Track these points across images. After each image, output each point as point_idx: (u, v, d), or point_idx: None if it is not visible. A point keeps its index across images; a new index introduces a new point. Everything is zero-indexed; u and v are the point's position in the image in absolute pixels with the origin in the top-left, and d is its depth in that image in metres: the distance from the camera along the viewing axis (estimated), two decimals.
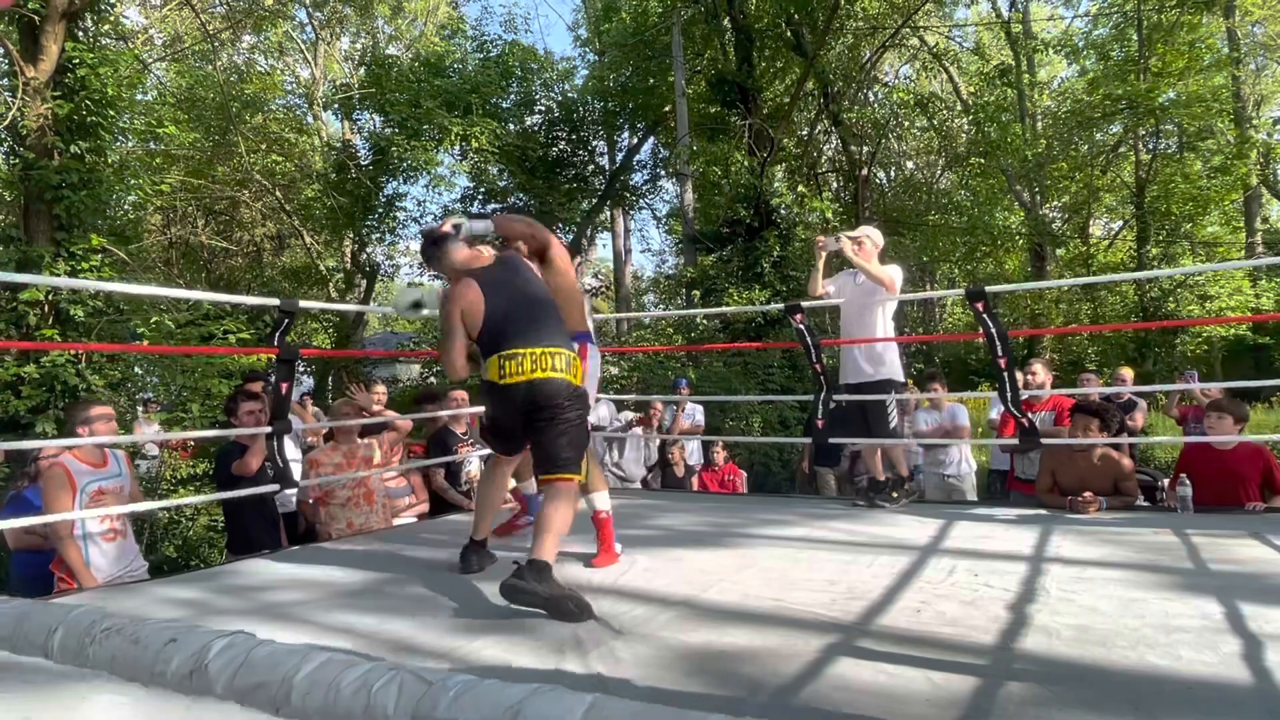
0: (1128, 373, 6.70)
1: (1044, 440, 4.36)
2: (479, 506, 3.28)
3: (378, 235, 17.11)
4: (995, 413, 6.01)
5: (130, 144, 13.20)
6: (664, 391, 9.62)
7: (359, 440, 4.75)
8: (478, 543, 3.23)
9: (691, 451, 7.70)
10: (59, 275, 7.43)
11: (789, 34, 14.69)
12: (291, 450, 4.67)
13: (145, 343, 8.84)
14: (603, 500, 3.38)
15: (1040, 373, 5.38)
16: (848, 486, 6.55)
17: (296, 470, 4.31)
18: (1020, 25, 17.70)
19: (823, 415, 4.73)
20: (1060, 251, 17.96)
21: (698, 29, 15.05)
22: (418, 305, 3.88)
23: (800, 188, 14.20)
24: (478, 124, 13.88)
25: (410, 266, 21.22)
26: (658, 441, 7.45)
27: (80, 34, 8.21)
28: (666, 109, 16.57)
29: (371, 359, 16.62)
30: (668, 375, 10.83)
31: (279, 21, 16.28)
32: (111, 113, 8.36)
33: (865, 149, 17.10)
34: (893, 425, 4.48)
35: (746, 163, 13.18)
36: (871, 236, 4.55)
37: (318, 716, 1.07)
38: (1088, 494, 4.06)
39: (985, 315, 4.03)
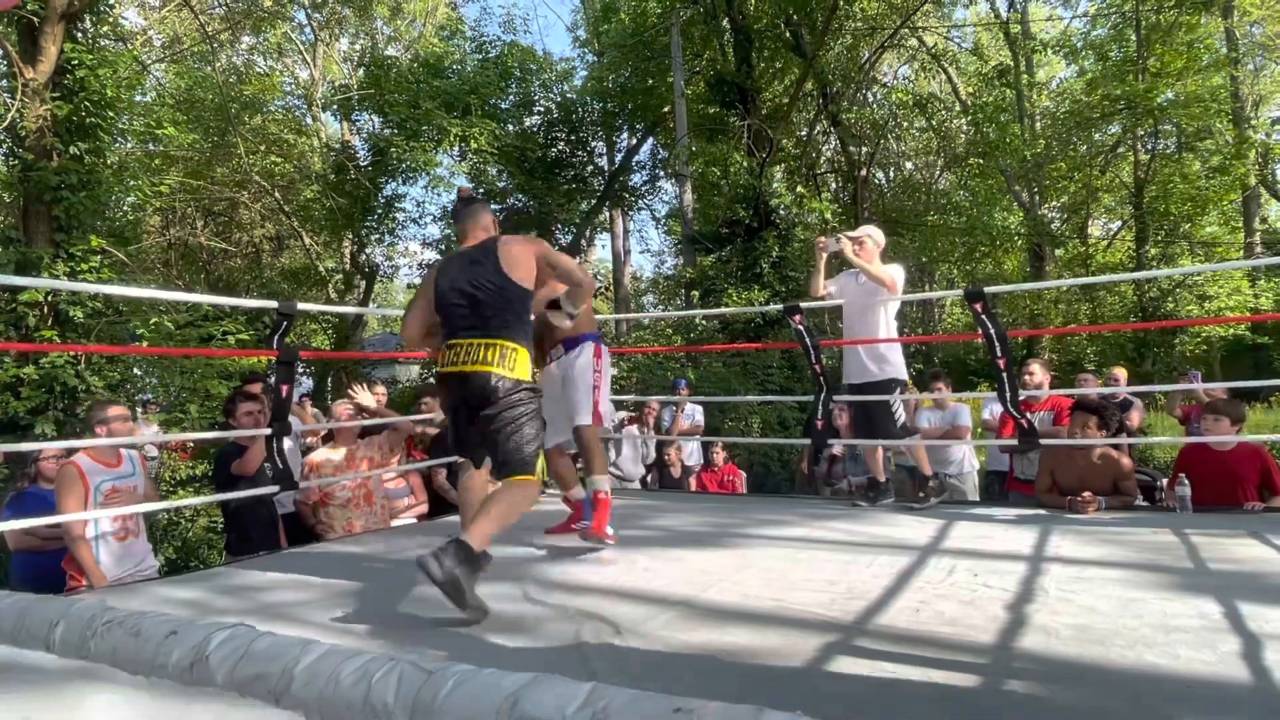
0: (1121, 372, 6.71)
1: (1043, 440, 4.36)
2: (461, 509, 3.10)
3: (377, 236, 17.10)
4: (989, 413, 6.02)
5: (129, 145, 13.21)
6: (663, 392, 9.62)
7: (358, 441, 4.76)
8: (460, 543, 3.14)
9: (691, 452, 7.70)
10: (58, 277, 7.44)
11: (788, 34, 14.71)
12: (291, 451, 4.68)
13: (144, 344, 8.85)
14: (603, 483, 3.50)
15: (1038, 373, 5.38)
16: (825, 488, 6.56)
17: (297, 472, 4.32)
18: (1019, 26, 17.72)
19: (822, 416, 4.73)
20: (1059, 252, 17.98)
21: (697, 29, 15.06)
22: None
23: (799, 188, 14.22)
24: (477, 125, 13.88)
25: (409, 268, 21.26)
26: (655, 441, 7.46)
27: (79, 35, 8.22)
28: (665, 109, 16.58)
29: (371, 360, 16.62)
30: (667, 376, 10.84)
31: (278, 23, 16.28)
32: (110, 114, 8.36)
33: (864, 149, 17.12)
34: (900, 424, 4.46)
35: (745, 163, 13.19)
36: (873, 236, 4.54)
37: (317, 706, 1.08)
38: (1087, 494, 4.06)
39: (984, 316, 4.03)
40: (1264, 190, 21.42)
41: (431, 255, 17.30)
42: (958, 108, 17.69)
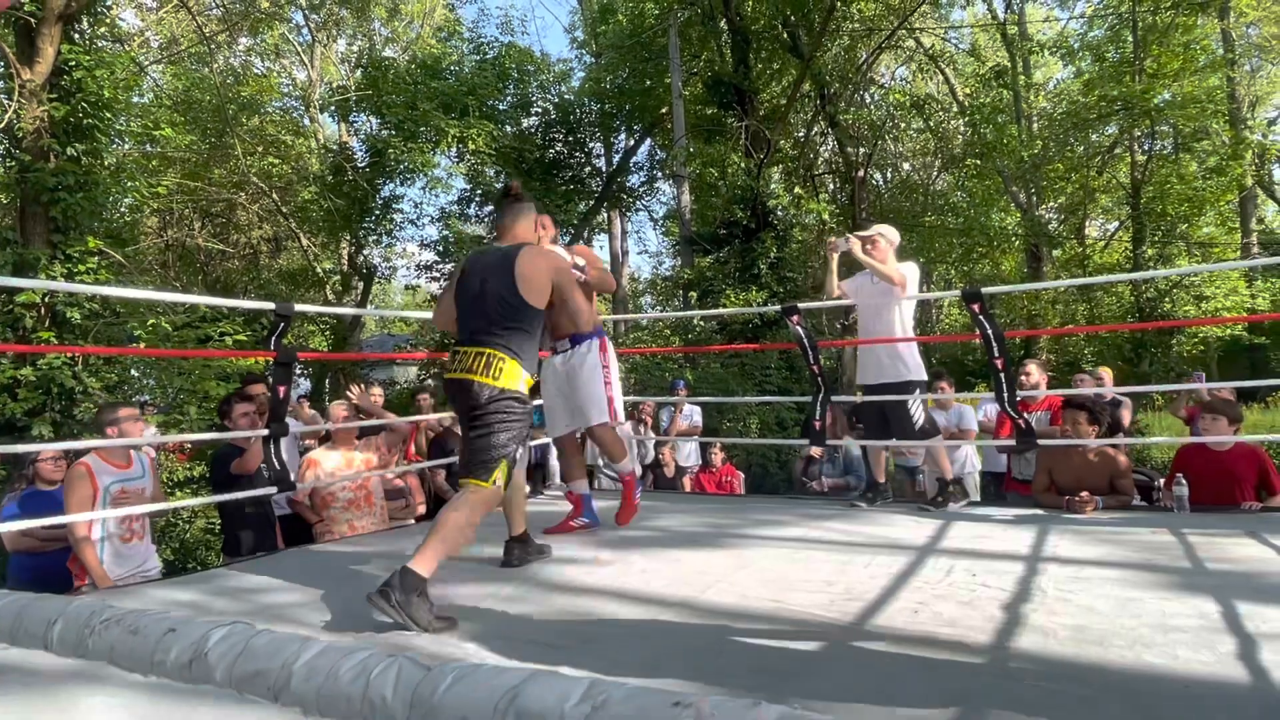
0: (1106, 372, 6.73)
1: (1040, 441, 4.36)
2: (504, 506, 3.18)
3: (375, 237, 17.08)
4: (984, 413, 6.02)
5: (126, 146, 13.19)
6: (661, 393, 9.62)
7: (356, 442, 4.75)
8: (517, 538, 3.29)
9: (689, 453, 7.71)
10: (55, 278, 7.43)
11: (785, 36, 14.72)
12: (289, 453, 4.67)
13: (142, 345, 8.84)
14: (626, 465, 3.83)
15: (1035, 373, 5.38)
16: (802, 489, 6.59)
17: (295, 472, 4.32)
18: (1016, 27, 17.74)
19: (820, 417, 4.73)
20: (1056, 252, 17.99)
21: (694, 31, 15.07)
22: None
23: (797, 189, 14.22)
24: (474, 126, 13.88)
25: (407, 269, 21.22)
26: (653, 442, 7.46)
27: (76, 36, 8.22)
28: (663, 110, 16.58)
29: (368, 361, 16.60)
30: (665, 377, 10.84)
31: (275, 24, 16.28)
32: (108, 115, 8.36)
33: (862, 150, 17.13)
34: (918, 425, 4.38)
35: (743, 164, 13.20)
36: (885, 234, 4.50)
37: (316, 702, 1.07)
38: (1084, 494, 4.07)
39: (981, 316, 4.03)
40: (1260, 191, 21.46)
41: (429, 256, 17.31)
42: (955, 109, 17.71)
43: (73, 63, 7.81)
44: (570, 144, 17.86)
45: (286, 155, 16.00)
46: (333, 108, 17.38)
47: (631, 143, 18.98)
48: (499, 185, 16.57)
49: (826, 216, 14.31)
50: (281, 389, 3.83)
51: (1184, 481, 4.07)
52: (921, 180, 21.47)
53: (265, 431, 3.82)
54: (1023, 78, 17.61)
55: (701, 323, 12.78)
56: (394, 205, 16.57)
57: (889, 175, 22.51)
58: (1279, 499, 4.10)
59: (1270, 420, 15.94)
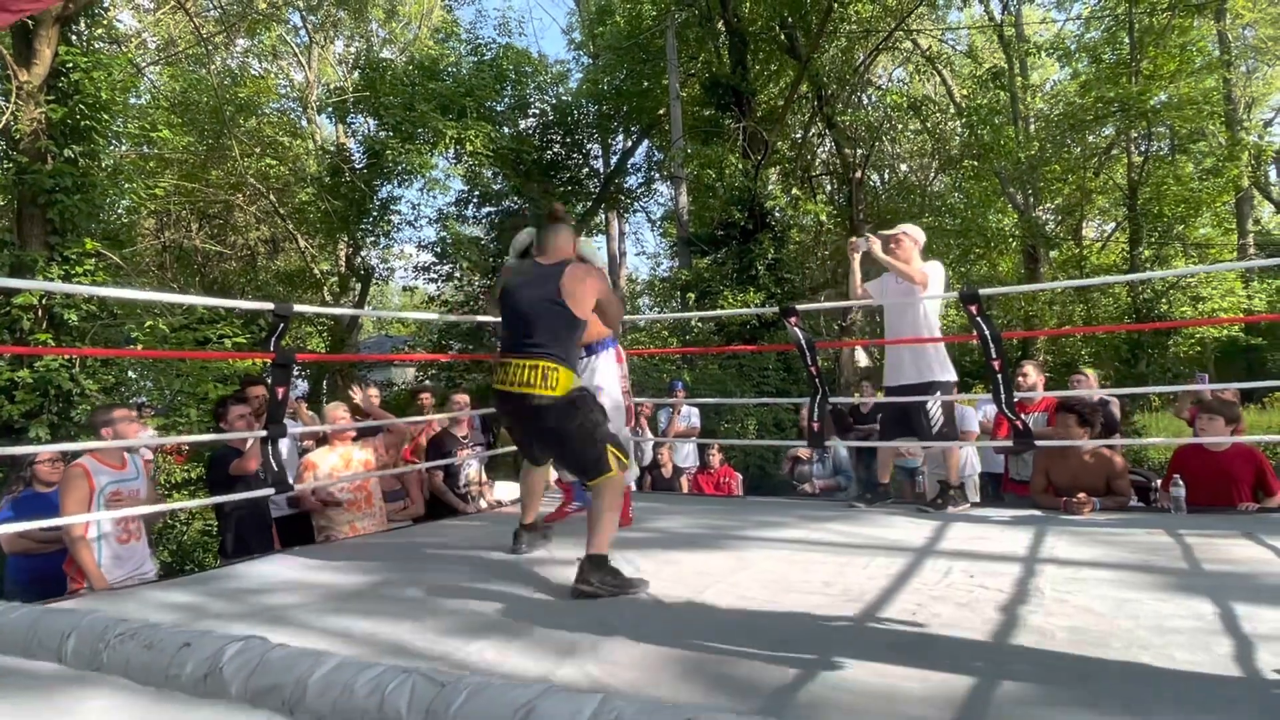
0: (1090, 373, 6.76)
1: (1037, 442, 4.37)
2: (522, 494, 3.59)
3: (372, 239, 17.07)
4: (982, 414, 6.03)
5: (124, 148, 13.16)
6: (659, 394, 9.62)
7: (353, 443, 4.75)
8: (526, 526, 3.54)
9: (687, 454, 7.71)
10: (52, 279, 7.42)
11: (783, 37, 14.73)
12: (288, 454, 4.67)
13: (139, 347, 8.82)
14: (630, 476, 3.90)
15: (1032, 374, 5.38)
16: (792, 490, 6.59)
17: (293, 473, 4.31)
18: (1013, 28, 17.76)
19: (818, 418, 4.73)
20: (1054, 253, 17.99)
21: (692, 32, 15.07)
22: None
23: (794, 190, 14.24)
24: (472, 127, 13.87)
25: (405, 270, 21.22)
26: (651, 443, 7.46)
27: (73, 38, 8.20)
28: (661, 112, 16.59)
29: (366, 362, 16.59)
30: (663, 378, 10.84)
31: (273, 25, 16.27)
32: (105, 117, 8.34)
33: (859, 152, 17.14)
34: (936, 428, 4.31)
35: (741, 165, 13.20)
36: (910, 233, 4.47)
37: (331, 717, 1.08)
38: (1081, 495, 4.08)
39: (979, 318, 4.03)
40: (1257, 192, 21.50)
41: (427, 258, 17.30)
42: (952, 110, 17.72)
43: (70, 64, 7.80)
44: (568, 145, 17.86)
45: (284, 157, 15.98)
46: (330, 109, 17.36)
47: (629, 144, 18.99)
48: (496, 187, 16.60)
49: (824, 218, 14.32)
50: (280, 390, 3.82)
51: (1181, 482, 4.07)
52: (919, 181, 21.46)
53: (264, 433, 3.82)
54: (1020, 79, 17.62)
55: (699, 324, 12.78)
56: (391, 206, 16.56)
57: (886, 176, 22.50)
58: (1276, 500, 4.11)
59: (1267, 421, 15.98)
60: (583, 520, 3.89)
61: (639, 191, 20.14)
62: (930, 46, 17.49)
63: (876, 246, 4.44)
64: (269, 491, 3.88)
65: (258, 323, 11.61)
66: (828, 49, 15.14)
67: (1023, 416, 4.35)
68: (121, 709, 1.72)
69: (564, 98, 17.85)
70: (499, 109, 16.33)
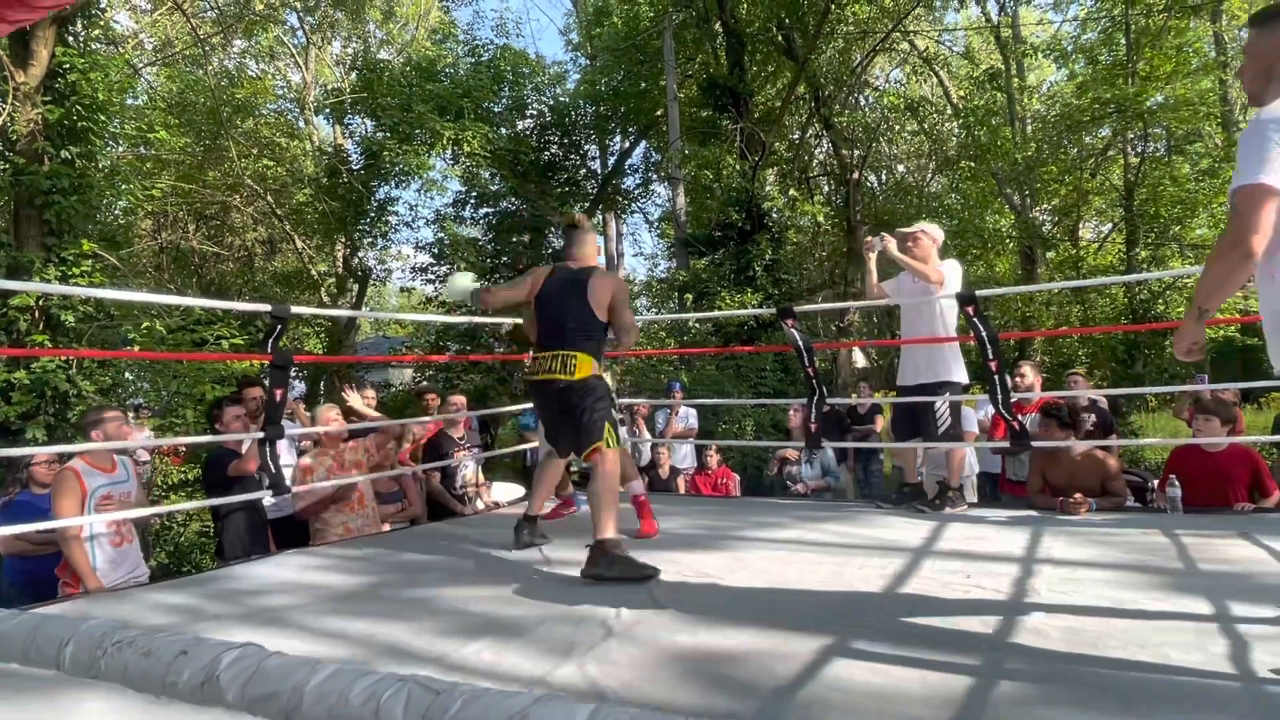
0: (1079, 375, 6.76)
1: (1034, 443, 4.37)
2: (535, 485, 3.78)
3: (370, 240, 17.05)
4: (982, 414, 6.03)
5: (121, 149, 13.15)
6: (656, 395, 9.63)
7: (345, 444, 4.74)
8: (530, 518, 3.65)
9: (684, 455, 7.71)
10: (49, 281, 7.42)
11: (780, 38, 14.74)
12: (286, 455, 4.67)
13: (136, 348, 8.82)
14: (637, 486, 4.05)
15: (1029, 374, 5.39)
16: (783, 491, 6.59)
17: (293, 474, 4.31)
18: (1010, 30, 17.79)
19: (816, 419, 4.73)
20: (1050, 254, 18.03)
21: (689, 33, 15.08)
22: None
23: (792, 191, 14.24)
24: (469, 128, 13.87)
25: (402, 271, 21.20)
26: (648, 444, 7.46)
27: (70, 39, 8.20)
28: (658, 113, 16.59)
29: (364, 364, 16.57)
30: (660, 379, 10.84)
31: (270, 26, 16.25)
32: (102, 117, 8.34)
33: (856, 152, 17.17)
34: (944, 429, 4.29)
35: (738, 166, 13.20)
36: (929, 232, 4.45)
37: None
38: (1078, 495, 4.08)
39: (976, 319, 4.04)
40: None
41: (424, 259, 17.28)
42: (949, 111, 17.75)
43: (67, 65, 7.80)
44: (565, 146, 17.85)
45: (281, 158, 15.97)
46: (327, 110, 17.34)
47: (626, 145, 18.99)
48: (494, 188, 16.58)
49: (821, 219, 14.33)
50: (278, 391, 3.82)
51: (1177, 483, 4.08)
52: (916, 182, 21.51)
53: (261, 434, 3.82)
54: (1016, 80, 17.66)
55: (697, 325, 12.78)
56: (389, 208, 16.53)
57: (883, 177, 22.55)
58: (1272, 500, 4.13)
59: (1264, 421, 15.98)
60: (582, 520, 3.91)
61: (636, 192, 20.15)
62: (927, 48, 17.52)
63: (892, 246, 4.42)
64: (265, 494, 3.88)
65: (255, 324, 11.61)
66: (825, 50, 15.16)
67: (1019, 417, 4.36)
68: (119, 714, 1.73)
69: (561, 99, 17.85)
70: (496, 110, 16.33)
